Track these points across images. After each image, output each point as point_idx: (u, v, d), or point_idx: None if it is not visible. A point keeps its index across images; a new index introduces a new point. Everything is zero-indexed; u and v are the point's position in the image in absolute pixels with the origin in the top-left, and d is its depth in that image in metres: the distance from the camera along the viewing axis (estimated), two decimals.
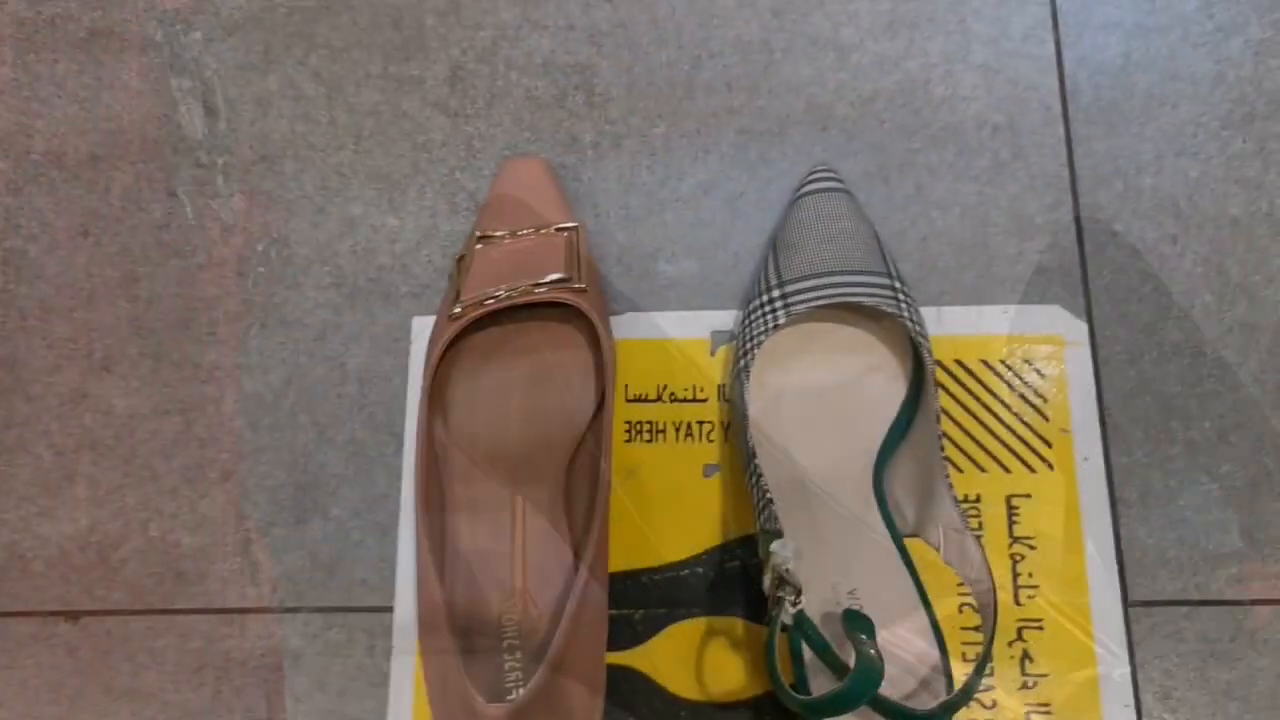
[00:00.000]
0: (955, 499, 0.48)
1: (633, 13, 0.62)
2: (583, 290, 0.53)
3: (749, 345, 0.53)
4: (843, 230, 0.54)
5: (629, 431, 0.56)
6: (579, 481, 0.53)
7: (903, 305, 0.52)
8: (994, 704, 0.51)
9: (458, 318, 0.53)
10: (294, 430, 0.57)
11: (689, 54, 0.62)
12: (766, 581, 0.45)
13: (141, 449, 0.57)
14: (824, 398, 0.54)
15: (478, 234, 0.56)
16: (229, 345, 0.58)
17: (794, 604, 0.44)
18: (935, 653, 0.49)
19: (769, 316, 0.52)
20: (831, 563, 0.50)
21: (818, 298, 0.52)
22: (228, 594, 0.55)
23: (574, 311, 0.54)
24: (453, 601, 0.50)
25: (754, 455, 0.49)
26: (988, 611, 0.46)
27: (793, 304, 0.52)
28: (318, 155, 0.61)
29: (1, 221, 0.61)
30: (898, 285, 0.53)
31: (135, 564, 0.55)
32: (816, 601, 0.49)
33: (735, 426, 0.54)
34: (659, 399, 0.56)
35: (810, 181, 0.56)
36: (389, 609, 0.54)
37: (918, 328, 0.52)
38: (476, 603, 0.51)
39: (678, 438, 0.56)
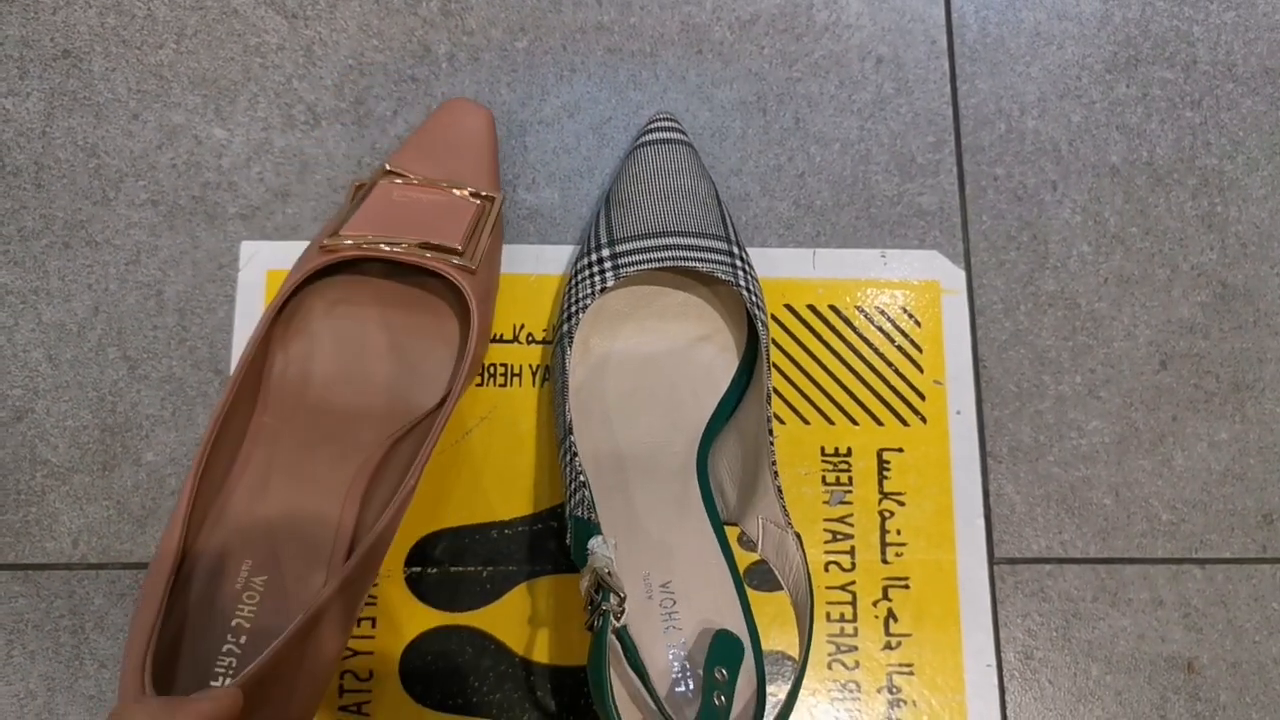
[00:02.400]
0: (779, 489, 0.45)
1: None
2: (471, 271, 0.48)
3: (573, 309, 0.49)
4: (680, 188, 0.50)
5: (483, 375, 0.52)
6: (390, 470, 0.49)
7: (739, 273, 0.49)
8: (856, 664, 0.50)
9: (329, 250, 0.48)
10: (101, 365, 0.51)
11: None
12: (584, 584, 0.40)
13: None
14: (651, 366, 0.51)
15: (388, 167, 0.51)
16: (24, 267, 0.52)
17: (618, 615, 0.39)
18: (751, 660, 0.44)
19: (596, 278, 0.49)
20: (646, 552, 0.47)
21: (649, 260, 0.48)
22: (20, 548, 0.49)
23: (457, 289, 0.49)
24: (197, 554, 0.45)
25: (570, 431, 0.46)
26: (803, 616, 0.42)
27: (622, 266, 0.48)
28: (132, 53, 0.55)
29: None
30: (735, 250, 0.50)
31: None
32: (629, 597, 0.44)
33: (555, 399, 0.50)
34: (514, 339, 0.53)
35: (648, 131, 0.52)
36: None
37: (754, 298, 0.49)
38: (220, 566, 0.45)
39: (534, 381, 0.52)
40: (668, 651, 0.44)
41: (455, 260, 0.48)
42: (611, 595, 0.39)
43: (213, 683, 0.42)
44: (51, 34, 0.55)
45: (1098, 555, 0.52)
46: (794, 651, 0.49)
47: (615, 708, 0.37)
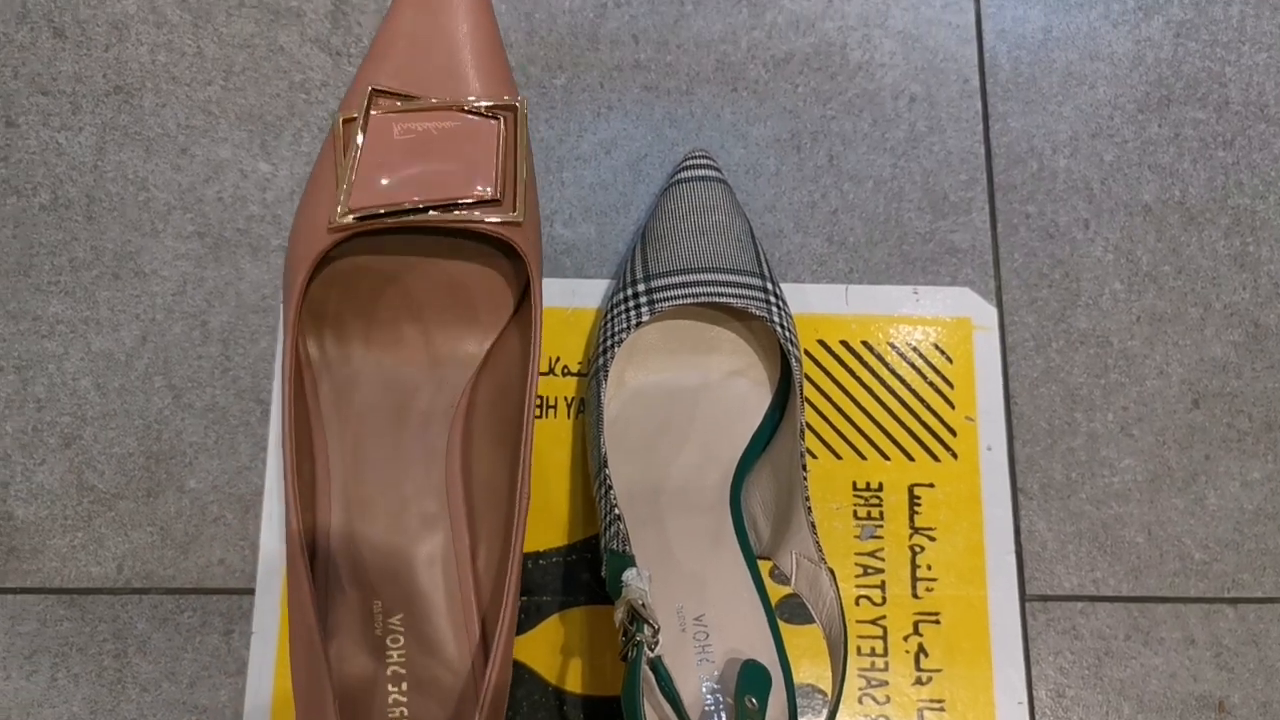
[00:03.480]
0: (813, 525, 0.46)
1: None
2: (518, 224, 0.44)
3: (609, 343, 0.50)
4: (715, 224, 0.51)
5: None
6: (465, 458, 0.49)
7: (773, 309, 0.50)
8: (887, 699, 0.51)
9: (340, 229, 0.45)
10: (147, 394, 0.53)
11: (594, 1, 0.59)
12: (618, 615, 0.41)
13: None
14: (685, 400, 0.52)
15: (372, 87, 0.46)
16: (75, 297, 0.54)
17: (652, 646, 0.40)
18: (783, 693, 0.45)
19: (632, 313, 0.50)
20: (680, 585, 0.48)
21: (684, 295, 0.49)
22: (67, 572, 0.51)
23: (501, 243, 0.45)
24: (329, 604, 0.45)
25: (605, 464, 0.47)
26: (837, 652, 0.43)
27: (657, 301, 0.49)
28: (182, 89, 0.57)
29: None
30: (769, 286, 0.51)
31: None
32: (662, 629, 0.45)
33: (589, 431, 0.51)
34: (550, 372, 0.54)
35: (684, 168, 0.53)
36: (249, 591, 0.51)
37: (787, 334, 0.50)
38: (354, 612, 0.46)
39: (569, 414, 0.53)
40: (701, 684, 0.45)
41: (494, 218, 0.45)
42: (646, 626, 0.40)
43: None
44: (104, 70, 0.57)
45: (1130, 594, 0.53)
46: (825, 684, 0.50)
47: None
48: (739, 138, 0.57)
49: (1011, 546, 0.53)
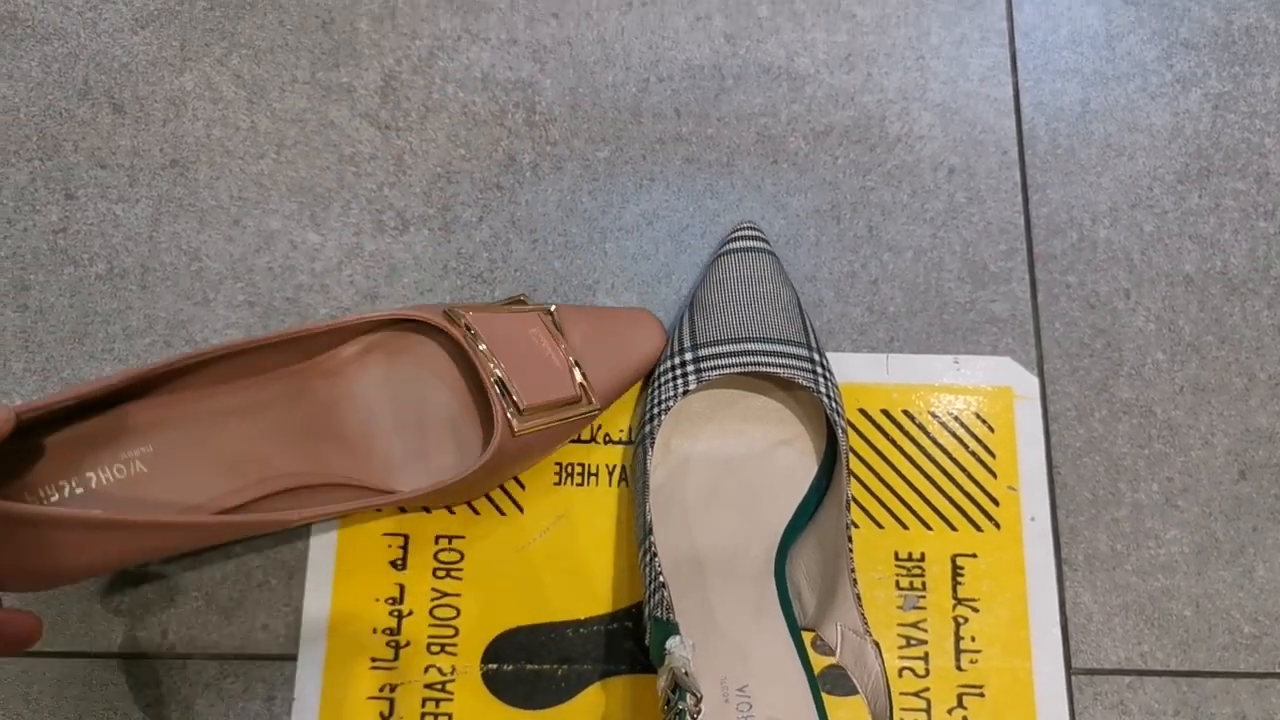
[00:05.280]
0: (858, 597, 0.46)
1: (579, 30, 0.62)
2: (512, 430, 0.49)
3: (656, 410, 0.51)
4: (763, 295, 0.53)
5: (559, 473, 0.54)
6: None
7: (820, 380, 0.51)
8: None
9: (449, 317, 0.51)
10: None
11: (636, 76, 0.61)
12: (661, 682, 0.42)
13: None
14: (731, 469, 0.53)
15: (552, 308, 0.54)
16: (128, 364, 0.56)
17: (695, 715, 0.40)
18: None
19: (679, 381, 0.51)
20: (723, 654, 0.48)
21: (731, 364, 0.51)
22: (113, 636, 0.52)
23: None
24: None
25: (650, 531, 0.48)
26: None
27: (705, 370, 0.51)
28: (235, 163, 0.59)
29: None
30: (816, 357, 0.52)
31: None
32: (705, 699, 0.46)
33: (634, 499, 0.52)
34: (592, 440, 0.55)
35: (733, 239, 0.55)
36: (291, 657, 0.52)
37: (834, 404, 0.51)
38: None
39: (610, 482, 0.54)
40: None
41: (510, 411, 0.49)
42: (688, 695, 0.41)
43: None
44: (161, 144, 0.59)
45: (1179, 668, 0.53)
46: None
47: None
48: (779, 209, 0.59)
49: (1057, 618, 0.53)
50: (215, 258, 0.58)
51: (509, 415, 0.48)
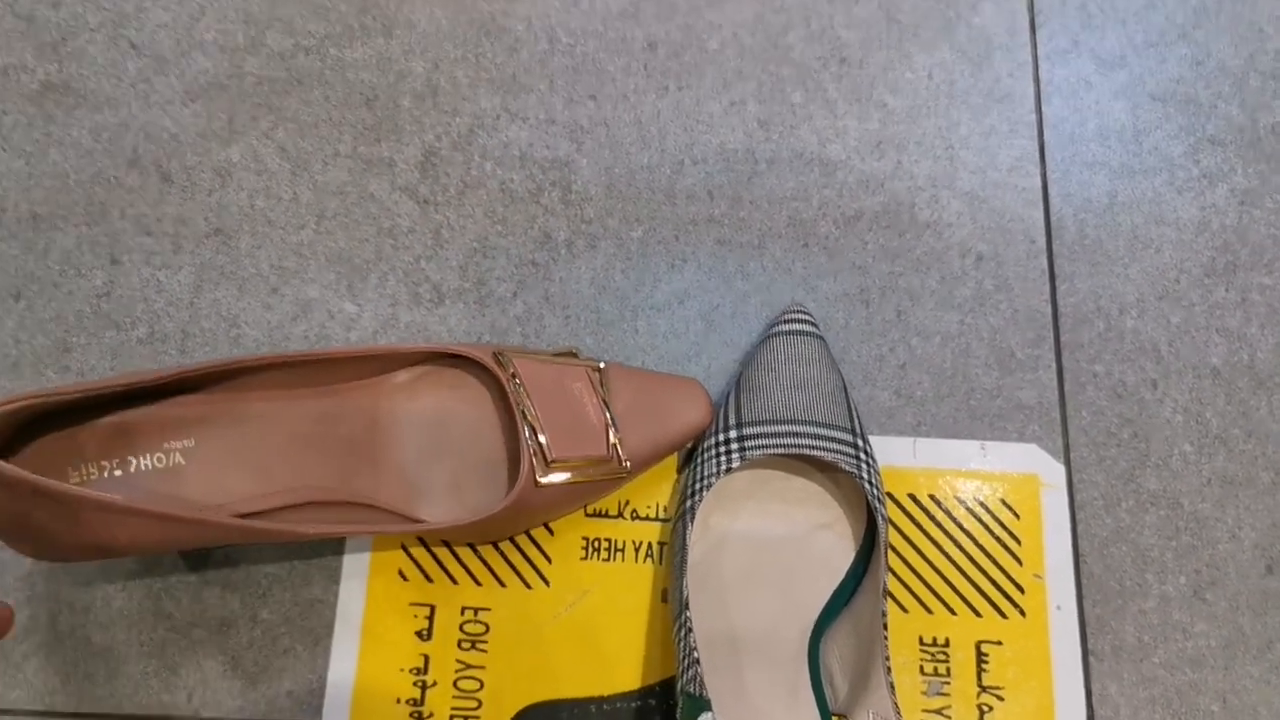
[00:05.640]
0: (891, 685, 0.47)
1: (617, 112, 0.63)
2: (536, 482, 0.50)
3: (698, 486, 0.52)
4: (810, 378, 0.54)
5: (585, 548, 0.55)
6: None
7: (862, 466, 0.52)
8: None
9: (496, 355, 0.52)
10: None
11: (671, 158, 0.62)
12: None
13: None
14: (769, 549, 0.54)
15: (601, 365, 0.55)
16: None
17: None
18: None
19: (722, 458, 0.52)
20: None
21: (775, 445, 0.51)
22: (139, 698, 0.52)
23: None
24: None
25: (686, 606, 0.48)
26: None
27: (749, 448, 0.52)
28: (276, 232, 0.61)
29: None
30: (860, 444, 0.53)
31: (38, 661, 0.53)
32: None
33: (672, 572, 0.53)
34: (619, 515, 0.56)
35: (783, 322, 0.56)
36: None
37: (875, 491, 0.51)
38: None
39: (637, 558, 0.55)
40: None
41: (537, 459, 0.50)
42: None
43: None
44: (205, 214, 0.61)
45: None
46: None
47: None
48: (809, 291, 0.60)
49: (1083, 711, 0.53)
50: (253, 325, 0.59)
51: (534, 464, 0.49)
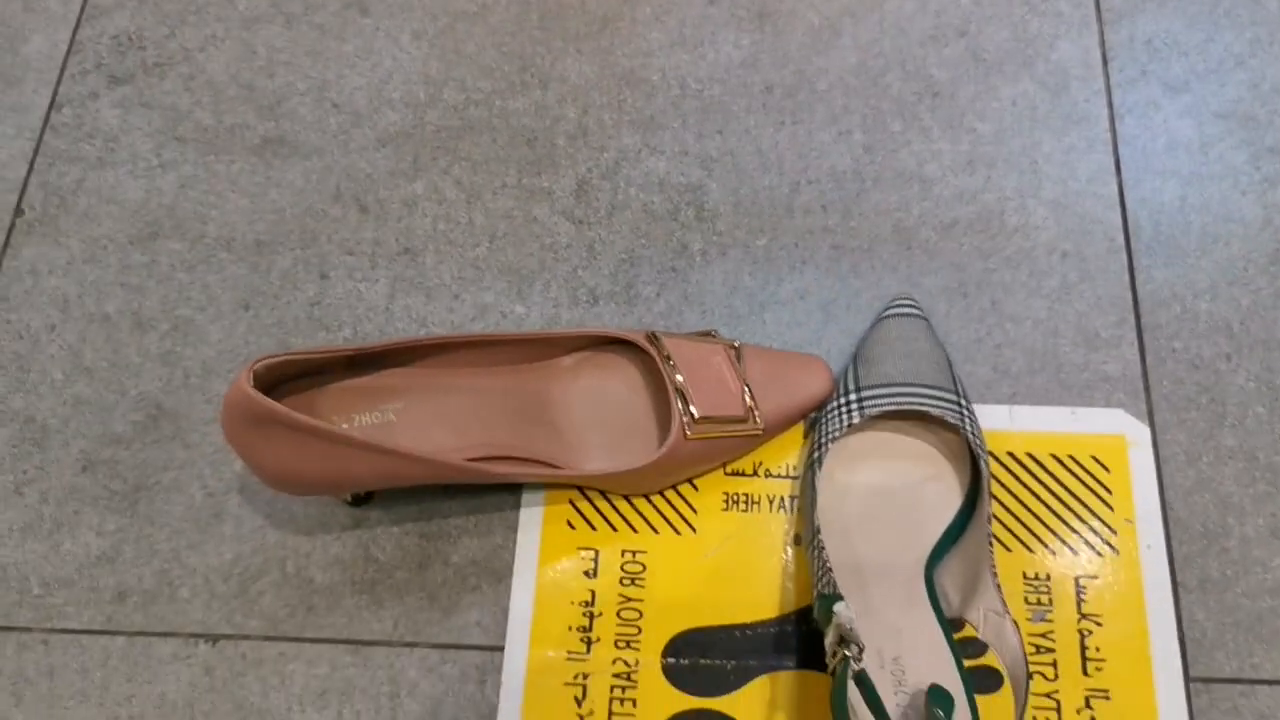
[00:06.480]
0: (998, 585, 0.55)
1: (741, 143, 0.74)
2: (685, 435, 0.60)
3: (822, 440, 0.61)
4: (917, 349, 0.63)
5: (726, 501, 0.64)
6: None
7: (965, 419, 0.60)
8: None
9: (650, 338, 0.63)
10: (421, 487, 0.66)
11: (789, 180, 0.73)
12: (829, 639, 0.51)
13: (283, 495, 0.66)
14: (885, 499, 0.62)
15: (736, 344, 0.65)
16: None
17: (857, 660, 0.49)
18: (967, 714, 0.53)
19: (844, 415, 0.61)
20: (879, 632, 0.57)
21: (890, 403, 0.60)
22: (353, 626, 0.63)
23: None
24: None
25: (819, 531, 0.57)
26: (1019, 690, 0.52)
27: (867, 407, 0.61)
28: (456, 250, 0.72)
29: (176, 293, 0.72)
30: (963, 402, 0.61)
31: (271, 596, 0.63)
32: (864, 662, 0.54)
33: (804, 510, 0.62)
34: (754, 474, 0.65)
35: (893, 307, 0.66)
36: (499, 648, 0.61)
37: (978, 440, 0.60)
38: None
39: (770, 508, 0.64)
40: (897, 710, 0.53)
41: (686, 417, 0.60)
42: (852, 645, 0.49)
43: None
44: (396, 236, 0.73)
45: None
46: None
47: None
48: (913, 286, 0.69)
49: (1174, 633, 0.60)
50: (439, 325, 0.70)
51: (684, 420, 0.59)
